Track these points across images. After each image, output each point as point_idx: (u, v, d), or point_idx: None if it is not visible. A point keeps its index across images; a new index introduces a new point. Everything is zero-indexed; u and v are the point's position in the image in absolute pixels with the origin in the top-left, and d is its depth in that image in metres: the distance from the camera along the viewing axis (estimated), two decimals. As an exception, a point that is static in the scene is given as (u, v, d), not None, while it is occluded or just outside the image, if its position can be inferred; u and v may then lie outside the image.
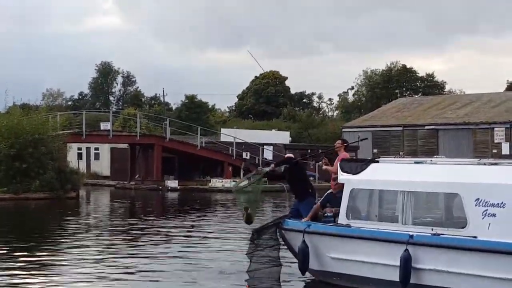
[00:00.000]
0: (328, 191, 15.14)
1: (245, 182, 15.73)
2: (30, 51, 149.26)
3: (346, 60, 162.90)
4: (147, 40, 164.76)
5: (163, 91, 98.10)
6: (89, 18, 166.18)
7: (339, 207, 14.24)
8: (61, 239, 22.55)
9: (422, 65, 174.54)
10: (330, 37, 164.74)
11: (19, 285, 14.53)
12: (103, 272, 15.99)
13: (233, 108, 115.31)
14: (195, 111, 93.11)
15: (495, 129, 65.00)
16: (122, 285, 14.90)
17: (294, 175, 15.49)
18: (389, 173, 14.09)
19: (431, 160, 14.31)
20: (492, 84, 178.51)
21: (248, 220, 15.11)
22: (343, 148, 15.35)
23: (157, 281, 15.25)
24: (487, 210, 12.46)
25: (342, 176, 14.48)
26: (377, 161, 14.59)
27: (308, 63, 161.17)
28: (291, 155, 16.46)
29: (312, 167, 51.25)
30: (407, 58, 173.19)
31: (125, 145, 58.22)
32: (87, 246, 20.50)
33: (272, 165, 15.89)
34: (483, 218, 12.47)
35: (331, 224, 14.48)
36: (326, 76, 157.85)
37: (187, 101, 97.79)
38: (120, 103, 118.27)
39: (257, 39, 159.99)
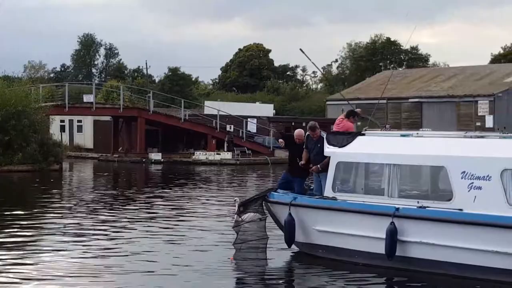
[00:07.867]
0: None
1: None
2: (12, 23, 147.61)
3: (333, 32, 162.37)
4: (131, 11, 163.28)
5: (146, 63, 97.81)
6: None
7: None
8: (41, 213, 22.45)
9: (405, 38, 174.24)
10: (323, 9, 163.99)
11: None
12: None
13: (217, 80, 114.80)
14: (178, 84, 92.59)
15: (479, 102, 65.10)
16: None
17: (290, 151, 15.93)
18: (375, 146, 14.07)
19: (417, 133, 14.31)
20: (476, 57, 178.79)
21: None
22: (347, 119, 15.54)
23: (151, 259, 15.19)
24: (473, 183, 12.49)
25: (328, 149, 14.44)
26: (363, 134, 14.56)
27: (293, 35, 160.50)
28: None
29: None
30: (391, 30, 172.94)
31: (108, 118, 57.90)
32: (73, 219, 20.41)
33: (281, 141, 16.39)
34: (469, 191, 12.50)
35: (317, 197, 14.49)
36: (312, 48, 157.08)
37: (170, 73, 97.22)
38: (103, 76, 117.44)
39: (243, 11, 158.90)
